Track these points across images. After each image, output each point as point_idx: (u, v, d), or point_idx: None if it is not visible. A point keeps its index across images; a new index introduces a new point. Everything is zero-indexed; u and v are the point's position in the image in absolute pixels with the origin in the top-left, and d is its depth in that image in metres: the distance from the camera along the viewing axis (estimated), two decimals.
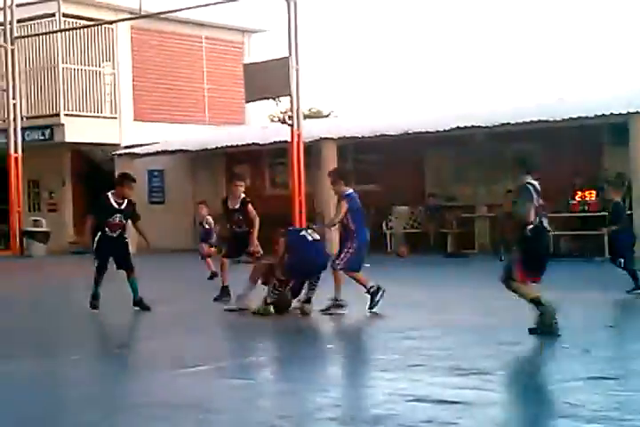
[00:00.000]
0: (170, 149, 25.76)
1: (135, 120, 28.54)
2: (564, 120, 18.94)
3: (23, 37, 26.99)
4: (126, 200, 11.21)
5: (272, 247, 11.01)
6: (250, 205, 12.16)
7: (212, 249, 15.81)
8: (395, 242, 21.76)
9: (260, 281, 10.99)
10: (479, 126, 20.10)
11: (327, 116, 43.14)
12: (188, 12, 26.24)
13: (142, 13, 25.22)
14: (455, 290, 12.93)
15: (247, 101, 23.68)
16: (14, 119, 26.25)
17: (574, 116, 18.80)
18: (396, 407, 5.69)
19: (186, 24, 29.26)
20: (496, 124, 19.82)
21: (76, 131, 26.78)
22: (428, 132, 20.68)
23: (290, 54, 21.30)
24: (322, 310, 10.47)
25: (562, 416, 5.38)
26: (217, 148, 24.30)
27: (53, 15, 26.75)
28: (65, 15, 26.77)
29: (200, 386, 6.64)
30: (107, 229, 11.09)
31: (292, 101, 21.36)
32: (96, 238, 11.17)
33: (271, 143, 23.11)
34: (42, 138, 27.08)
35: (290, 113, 21.48)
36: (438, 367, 7.00)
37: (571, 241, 19.61)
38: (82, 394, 6.58)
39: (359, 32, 76.69)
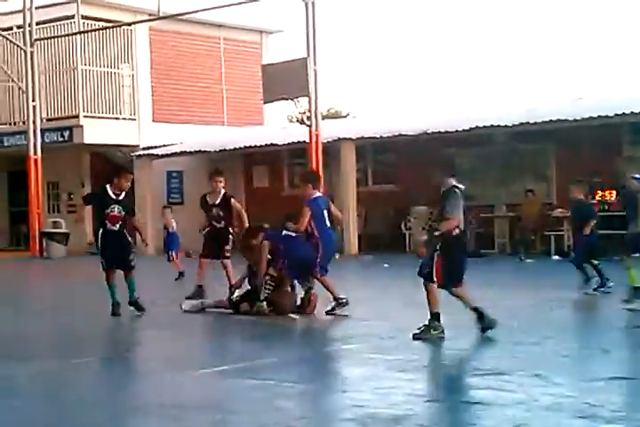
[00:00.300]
0: (188, 150, 25.82)
1: (154, 121, 28.64)
2: (583, 119, 18.86)
3: (42, 40, 27.13)
4: (124, 193, 11.08)
5: (245, 250, 10.97)
6: (233, 199, 12.56)
7: (177, 260, 16.28)
8: (413, 242, 21.71)
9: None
10: (498, 126, 20.04)
11: (345, 116, 43.10)
12: (206, 14, 26.31)
13: (160, 15, 25.30)
14: (472, 290, 12.84)
15: (265, 102, 23.72)
16: (34, 121, 26.38)
17: (593, 115, 18.72)
18: (414, 408, 5.66)
19: (204, 25, 29.34)
20: (515, 123, 19.76)
21: (95, 132, 26.89)
22: (447, 132, 20.63)
23: (308, 55, 21.30)
24: (327, 312, 10.44)
25: (581, 417, 5.33)
26: (235, 148, 24.34)
27: (72, 17, 26.87)
28: (84, 17, 26.89)
29: (216, 387, 6.63)
30: (107, 222, 10.94)
31: (310, 102, 21.37)
32: (99, 235, 11.05)
33: (289, 144, 23.13)
34: (61, 140, 27.21)
35: (308, 113, 21.48)
36: (456, 368, 6.97)
37: None
38: (96, 395, 6.58)
39: (377, 32, 76.62)
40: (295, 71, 21.19)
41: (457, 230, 8.37)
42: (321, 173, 21.58)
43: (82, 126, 26.82)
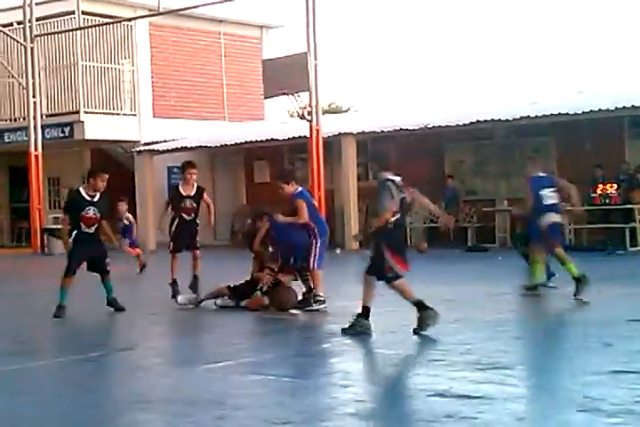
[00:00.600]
0: (189, 145, 25.82)
1: (154, 117, 28.64)
2: (584, 113, 18.84)
3: (43, 35, 27.11)
4: (99, 194, 10.74)
5: (251, 238, 11.04)
6: (205, 193, 12.70)
7: (137, 249, 16.62)
8: (414, 237, 21.70)
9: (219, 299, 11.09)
10: (499, 120, 20.03)
11: (346, 111, 43.09)
12: (207, 9, 26.29)
13: (161, 10, 25.27)
14: (474, 284, 12.88)
15: (266, 97, 23.69)
16: (34, 117, 26.37)
17: (595, 108, 18.71)
18: (416, 402, 5.66)
19: (204, 20, 29.35)
20: (516, 117, 19.74)
21: (96, 128, 26.89)
22: (447, 126, 20.62)
23: (308, 50, 21.28)
24: (303, 307, 10.44)
25: (582, 410, 5.34)
26: (236, 144, 24.34)
27: (72, 13, 26.85)
28: (84, 13, 26.86)
29: (219, 382, 6.64)
30: (82, 224, 10.60)
31: (310, 97, 21.34)
32: (72, 237, 10.67)
33: (290, 139, 23.13)
34: (62, 135, 27.21)
35: (309, 108, 21.46)
36: (458, 362, 6.97)
37: (592, 234, 19.53)
38: (99, 391, 6.60)
39: (378, 26, 76.52)
40: (296, 66, 21.17)
41: (391, 224, 8.36)
42: (322, 167, 21.63)
43: (82, 122, 26.82)
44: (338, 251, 19.66)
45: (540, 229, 11.05)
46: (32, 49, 26.51)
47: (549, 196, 11.28)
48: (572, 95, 22.09)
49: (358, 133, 22.25)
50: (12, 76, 27.62)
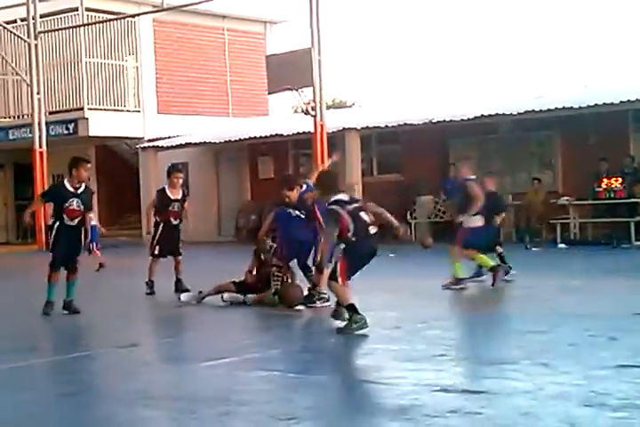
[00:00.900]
0: (193, 141, 25.82)
1: (159, 113, 28.65)
2: (589, 107, 18.80)
3: (46, 32, 27.11)
4: (83, 185, 10.39)
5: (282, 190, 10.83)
6: (186, 198, 12.89)
7: (97, 252, 16.65)
8: (419, 232, 21.69)
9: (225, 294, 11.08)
10: (504, 114, 19.99)
11: (350, 106, 43.05)
12: (210, 4, 26.26)
13: (164, 6, 25.25)
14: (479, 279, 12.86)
15: (270, 93, 23.67)
16: (39, 114, 26.38)
17: (599, 102, 18.67)
18: (420, 398, 5.66)
19: (207, 16, 29.33)
20: (521, 111, 19.70)
21: (100, 124, 26.91)
22: (452, 121, 20.59)
23: (312, 45, 21.24)
24: (307, 303, 10.42)
25: (587, 405, 5.34)
26: (240, 139, 24.34)
27: (76, 9, 26.86)
28: (87, 9, 26.87)
29: (224, 378, 6.64)
30: (65, 216, 10.24)
31: (314, 92, 21.31)
32: (54, 228, 10.33)
33: (294, 134, 23.11)
34: (66, 132, 27.24)
35: (313, 104, 21.43)
36: (462, 357, 6.98)
37: (597, 228, 19.50)
38: (103, 387, 6.61)
39: (382, 21, 76.45)
40: (299, 61, 21.13)
41: (353, 237, 8.60)
42: (326, 163, 21.61)
43: (87, 119, 26.85)
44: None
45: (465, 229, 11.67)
46: (36, 46, 26.51)
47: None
48: (577, 89, 22.04)
49: (362, 129, 22.23)
50: (17, 73, 27.63)
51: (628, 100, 18.29)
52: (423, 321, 9.03)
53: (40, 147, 26.24)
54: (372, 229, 8.77)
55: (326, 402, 5.86)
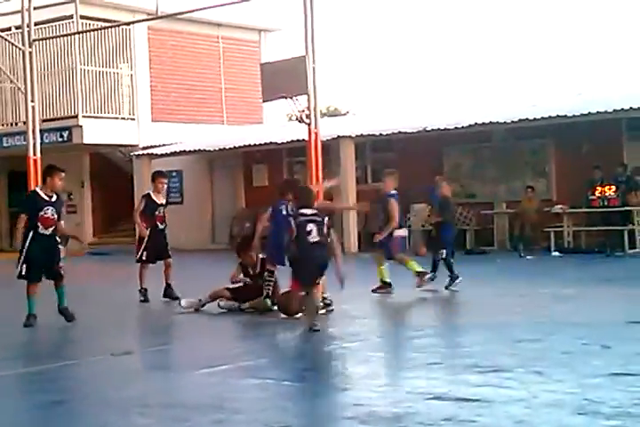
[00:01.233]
0: (188, 149, 25.82)
1: (153, 121, 28.64)
2: (582, 115, 18.84)
3: (41, 40, 27.06)
4: (55, 194, 10.20)
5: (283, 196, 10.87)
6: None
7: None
8: (413, 240, 21.69)
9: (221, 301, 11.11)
10: (497, 122, 20.03)
11: (345, 114, 43.11)
12: (205, 13, 26.25)
13: (159, 14, 25.23)
14: (473, 287, 12.88)
15: (264, 101, 23.64)
16: (33, 121, 26.33)
17: (593, 111, 18.71)
18: (415, 405, 5.66)
19: (202, 24, 29.34)
20: (515, 119, 19.74)
21: (95, 132, 26.90)
22: (446, 129, 20.62)
23: (307, 53, 21.16)
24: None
25: (581, 413, 5.34)
26: (235, 147, 24.34)
27: (71, 17, 26.78)
28: (82, 17, 26.81)
29: (218, 386, 6.64)
30: (39, 225, 10.03)
31: (309, 100, 21.29)
32: (28, 238, 10.08)
33: (289, 142, 23.12)
34: (60, 140, 27.21)
35: (307, 112, 21.43)
36: (457, 365, 6.98)
37: (591, 237, 19.52)
38: (97, 395, 6.59)
39: (376, 29, 76.60)
40: (294, 69, 21.07)
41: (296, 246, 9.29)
42: (320, 171, 21.60)
43: (81, 126, 26.83)
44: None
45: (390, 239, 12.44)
46: (30, 53, 26.45)
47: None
48: (571, 98, 22.10)
49: (357, 136, 22.26)
50: (11, 81, 27.60)
51: (622, 109, 18.34)
52: (417, 329, 9.03)
53: (34, 154, 26.07)
54: (313, 238, 9.22)
55: (320, 410, 5.85)
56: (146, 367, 7.94)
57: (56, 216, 10.21)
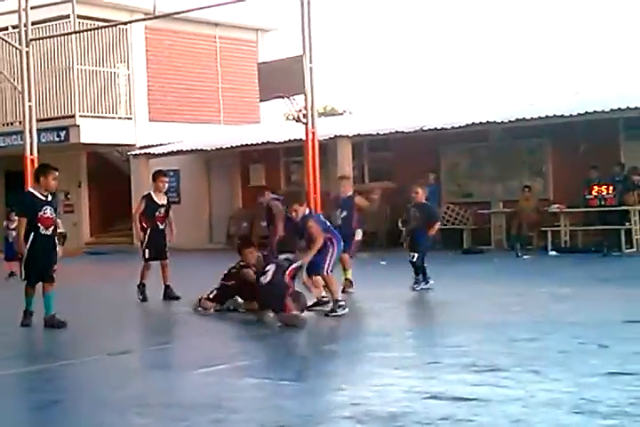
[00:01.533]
0: (185, 148, 25.83)
1: (150, 120, 28.64)
2: (579, 115, 18.85)
3: (38, 39, 27.06)
4: (49, 194, 9.96)
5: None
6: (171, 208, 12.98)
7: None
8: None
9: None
10: (495, 122, 20.04)
11: (342, 113, 43.12)
12: (202, 12, 26.24)
13: (156, 14, 25.22)
14: (470, 286, 12.90)
15: (261, 100, 23.66)
16: (30, 121, 26.32)
17: (590, 110, 18.72)
18: (412, 405, 5.67)
19: (199, 24, 29.34)
20: (512, 119, 19.75)
21: (92, 132, 26.90)
22: (443, 129, 20.63)
23: (304, 52, 21.19)
24: (326, 313, 10.42)
25: (578, 412, 5.35)
26: (232, 147, 24.34)
27: (68, 17, 26.79)
28: (79, 17, 26.79)
29: (216, 386, 6.64)
30: (40, 225, 9.82)
31: (306, 100, 21.31)
32: (29, 240, 9.84)
33: (286, 142, 23.13)
34: (57, 139, 27.20)
35: (304, 111, 21.44)
36: (453, 364, 6.98)
37: (588, 236, 19.54)
38: (95, 395, 6.59)
39: (373, 29, 76.63)
40: (291, 69, 21.09)
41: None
42: (317, 170, 21.61)
43: (78, 126, 26.83)
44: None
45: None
46: (27, 53, 26.44)
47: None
48: (568, 97, 22.12)
49: (354, 136, 22.26)
50: (8, 81, 27.58)
51: (619, 108, 18.35)
52: (413, 328, 9.04)
53: (31, 154, 26.06)
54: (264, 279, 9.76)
55: (317, 410, 5.86)
56: (143, 367, 7.94)
57: (54, 215, 10.11)
